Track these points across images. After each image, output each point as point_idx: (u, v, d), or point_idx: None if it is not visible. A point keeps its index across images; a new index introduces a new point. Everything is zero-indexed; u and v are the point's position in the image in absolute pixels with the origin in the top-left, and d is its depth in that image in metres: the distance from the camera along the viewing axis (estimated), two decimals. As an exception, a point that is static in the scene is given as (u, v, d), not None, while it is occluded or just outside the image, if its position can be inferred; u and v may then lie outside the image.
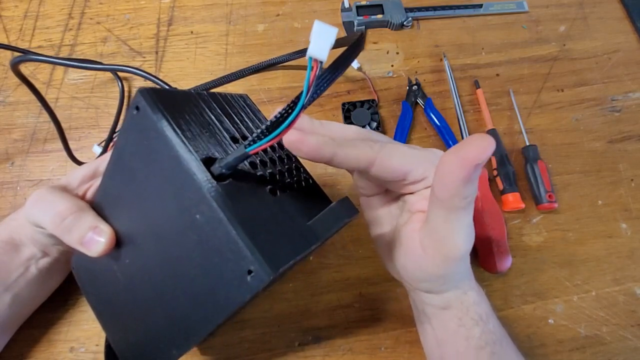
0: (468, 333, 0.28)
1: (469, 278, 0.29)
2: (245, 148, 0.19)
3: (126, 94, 0.47)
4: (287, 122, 0.18)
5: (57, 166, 0.43)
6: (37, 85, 0.40)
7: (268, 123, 0.19)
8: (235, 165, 0.20)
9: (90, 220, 0.26)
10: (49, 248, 0.33)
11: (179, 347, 0.25)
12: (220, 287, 0.21)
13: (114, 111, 0.45)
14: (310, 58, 0.17)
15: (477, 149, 0.19)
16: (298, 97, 0.18)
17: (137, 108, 0.21)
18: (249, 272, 0.19)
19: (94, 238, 0.26)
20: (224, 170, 0.20)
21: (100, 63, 0.47)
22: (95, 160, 0.33)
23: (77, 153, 0.42)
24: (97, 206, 0.27)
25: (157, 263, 0.24)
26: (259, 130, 0.19)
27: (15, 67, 0.35)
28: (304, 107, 0.18)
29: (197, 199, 0.20)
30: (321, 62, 0.17)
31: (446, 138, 0.44)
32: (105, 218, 0.27)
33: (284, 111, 0.18)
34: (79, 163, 0.41)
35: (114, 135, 0.43)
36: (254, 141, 0.19)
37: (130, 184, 0.23)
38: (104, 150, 0.42)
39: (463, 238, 0.24)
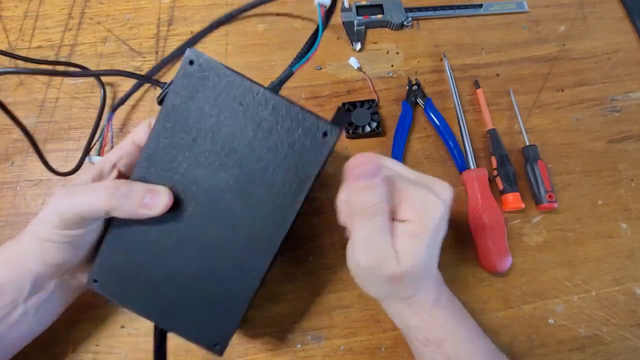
0: (418, 351, 0.31)
1: (401, 298, 0.30)
2: (291, 67, 0.29)
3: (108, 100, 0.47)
4: (315, 44, 0.30)
5: (57, 166, 0.43)
6: (37, 86, 0.40)
7: (304, 47, 0.30)
8: (284, 81, 0.29)
9: (142, 185, 0.28)
10: (46, 280, 0.30)
11: (251, 277, 0.29)
12: (300, 160, 0.27)
13: (114, 111, 0.45)
14: (319, 4, 0.30)
15: (360, 159, 0.27)
16: (317, 29, 0.30)
17: (191, 62, 0.26)
18: (324, 134, 0.26)
19: (154, 197, 0.27)
20: (276, 87, 0.29)
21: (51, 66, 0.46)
22: (97, 163, 0.32)
23: (76, 153, 0.42)
24: (140, 179, 0.29)
25: (233, 184, 0.28)
26: (297, 55, 0.29)
27: None
28: (322, 32, 0.30)
29: (264, 102, 0.26)
30: (325, 5, 0.30)
31: (446, 138, 0.44)
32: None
33: (310, 39, 0.30)
34: (57, 173, 0.39)
35: (93, 142, 0.42)
36: (296, 62, 0.29)
37: (190, 131, 0.27)
38: (84, 156, 0.41)
39: (358, 251, 0.27)
